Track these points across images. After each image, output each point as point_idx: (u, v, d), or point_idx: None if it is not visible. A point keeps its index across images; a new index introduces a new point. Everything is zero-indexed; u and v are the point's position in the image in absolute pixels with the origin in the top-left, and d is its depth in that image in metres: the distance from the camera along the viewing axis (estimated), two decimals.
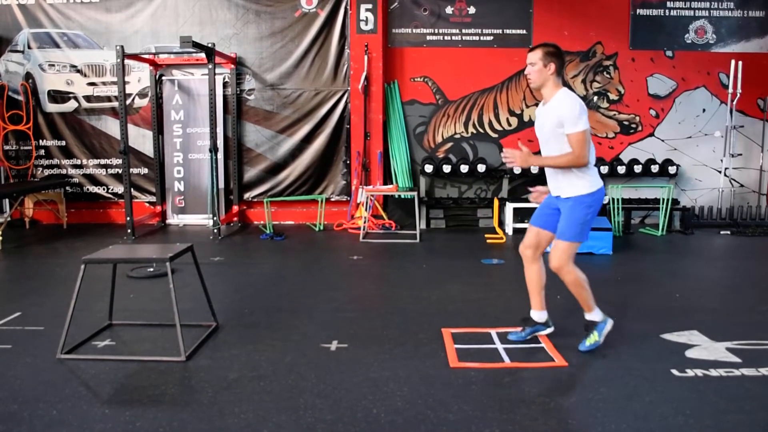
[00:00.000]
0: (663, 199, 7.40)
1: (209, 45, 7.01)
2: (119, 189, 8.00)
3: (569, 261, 3.34)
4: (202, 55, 7.22)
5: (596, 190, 3.34)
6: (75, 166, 8.13)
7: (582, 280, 3.38)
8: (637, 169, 7.75)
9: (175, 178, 8.11)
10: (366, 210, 7.46)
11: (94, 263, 3.51)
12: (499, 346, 3.56)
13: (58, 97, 8.05)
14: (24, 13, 7.91)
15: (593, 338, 3.45)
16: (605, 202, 7.58)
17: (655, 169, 7.74)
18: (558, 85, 3.34)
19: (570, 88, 7.68)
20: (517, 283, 5.09)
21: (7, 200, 7.91)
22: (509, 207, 7.49)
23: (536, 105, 7.92)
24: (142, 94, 8.04)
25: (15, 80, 8.04)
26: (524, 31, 7.90)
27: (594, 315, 3.48)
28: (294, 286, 5.00)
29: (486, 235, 7.19)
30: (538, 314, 3.65)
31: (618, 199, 7.39)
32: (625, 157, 8.04)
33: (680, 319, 4.01)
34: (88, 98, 8.05)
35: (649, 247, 6.69)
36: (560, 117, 3.23)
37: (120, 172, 7.82)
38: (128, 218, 7.02)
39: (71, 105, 8.06)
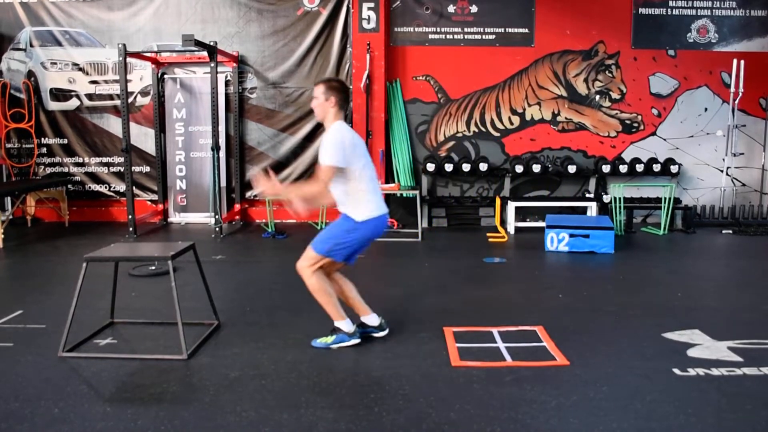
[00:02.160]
0: (665, 198, 7.39)
1: (211, 43, 7.02)
2: (121, 187, 8.00)
3: (310, 268, 3.40)
4: (205, 53, 7.23)
5: (366, 220, 3.36)
6: (77, 164, 8.14)
7: (323, 291, 3.44)
8: (639, 168, 7.73)
9: (177, 177, 8.11)
10: None
11: (95, 261, 3.51)
12: (501, 345, 3.56)
13: (60, 95, 8.05)
14: (26, 11, 7.91)
15: (328, 339, 3.51)
16: (607, 201, 7.58)
17: (657, 168, 7.73)
18: (336, 117, 3.41)
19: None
20: (519, 282, 5.10)
21: (9, 198, 7.92)
22: (511, 206, 7.48)
23: (538, 104, 7.92)
24: (144, 93, 8.04)
25: (17, 78, 8.04)
26: (526, 30, 7.88)
27: (343, 325, 3.51)
28: (296, 285, 4.97)
29: (488, 234, 7.18)
30: (368, 318, 3.65)
31: (620, 198, 7.38)
32: (627, 156, 8.02)
33: (682, 318, 4.00)
34: (90, 96, 8.05)
35: (650, 246, 6.68)
36: (321, 145, 3.31)
37: (122, 170, 7.81)
38: (130, 216, 7.03)
39: (73, 103, 8.06)
